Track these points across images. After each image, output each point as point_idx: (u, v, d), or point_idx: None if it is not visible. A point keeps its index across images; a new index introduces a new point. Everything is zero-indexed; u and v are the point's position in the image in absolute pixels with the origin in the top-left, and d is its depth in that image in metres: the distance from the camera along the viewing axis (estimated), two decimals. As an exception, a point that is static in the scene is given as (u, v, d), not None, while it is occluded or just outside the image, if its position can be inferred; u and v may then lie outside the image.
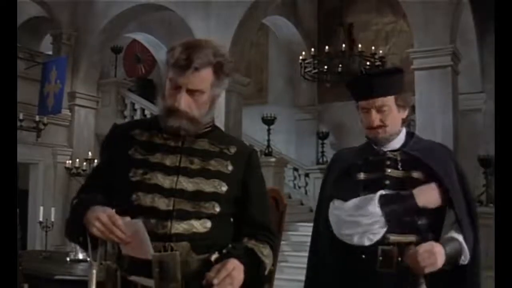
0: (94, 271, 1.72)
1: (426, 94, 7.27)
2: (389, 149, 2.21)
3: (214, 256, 1.77)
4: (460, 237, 2.05)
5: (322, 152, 11.49)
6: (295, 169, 11.23)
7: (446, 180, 2.10)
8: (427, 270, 1.93)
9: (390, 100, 2.15)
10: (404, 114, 2.22)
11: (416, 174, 2.14)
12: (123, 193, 1.80)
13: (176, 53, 1.76)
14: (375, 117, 2.16)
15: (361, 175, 2.19)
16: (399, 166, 2.16)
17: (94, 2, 10.29)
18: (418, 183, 2.12)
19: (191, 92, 1.78)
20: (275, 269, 3.17)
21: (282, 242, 3.02)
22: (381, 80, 2.18)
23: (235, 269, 1.69)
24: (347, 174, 2.23)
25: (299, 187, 11.17)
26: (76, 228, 1.77)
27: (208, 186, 1.83)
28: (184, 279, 1.74)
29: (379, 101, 2.14)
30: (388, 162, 2.18)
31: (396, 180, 2.14)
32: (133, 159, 1.83)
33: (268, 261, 1.88)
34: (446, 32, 7.31)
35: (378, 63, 9.70)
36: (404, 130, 2.26)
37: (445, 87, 7.22)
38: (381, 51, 9.96)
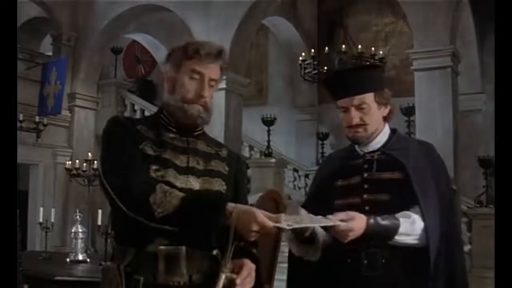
0: (223, 276, 1.73)
1: (426, 95, 7.28)
2: (370, 149, 2.19)
3: (215, 251, 1.82)
4: (411, 216, 2.01)
5: (322, 153, 11.47)
6: (295, 170, 11.22)
7: (414, 178, 2.06)
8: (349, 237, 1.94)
9: (368, 97, 2.12)
10: (385, 111, 2.18)
11: (389, 175, 2.11)
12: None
13: (206, 46, 1.90)
14: (355, 115, 2.12)
15: (339, 182, 2.19)
16: (373, 169, 2.14)
17: (94, 3, 10.30)
18: (396, 183, 2.08)
19: (210, 81, 1.92)
20: (275, 269, 3.17)
21: (282, 243, 3.02)
22: (357, 76, 2.15)
23: (252, 268, 1.79)
24: (324, 185, 2.23)
25: (299, 188, 11.15)
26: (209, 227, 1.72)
27: (213, 185, 1.90)
28: (188, 273, 1.78)
29: (357, 99, 2.11)
30: (366, 166, 2.16)
31: (373, 183, 2.12)
32: (145, 154, 1.84)
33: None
34: (446, 33, 7.31)
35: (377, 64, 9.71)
36: (387, 128, 2.23)
37: (445, 88, 7.23)
38: (381, 52, 9.96)
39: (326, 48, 9.93)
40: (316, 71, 9.97)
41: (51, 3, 10.16)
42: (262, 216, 1.65)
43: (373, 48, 9.84)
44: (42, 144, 9.53)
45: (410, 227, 2.01)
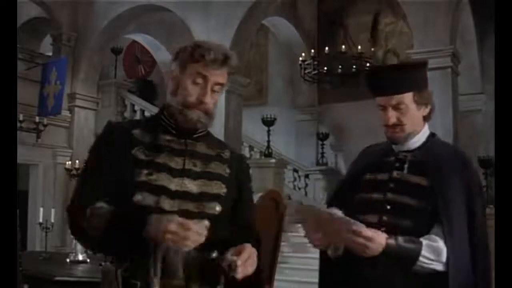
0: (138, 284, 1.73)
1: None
2: (405, 149, 2.13)
3: (214, 255, 1.81)
4: (437, 242, 1.94)
5: (322, 153, 11.47)
6: (295, 170, 11.22)
7: (441, 191, 2.00)
8: (362, 253, 1.90)
9: (407, 97, 2.05)
10: (426, 111, 2.11)
11: (418, 179, 2.05)
12: (125, 193, 1.80)
13: (213, 51, 1.84)
14: (392, 115, 2.06)
15: (367, 176, 2.15)
16: (405, 169, 2.09)
17: (94, 3, 10.30)
18: (423, 191, 2.02)
19: (214, 86, 1.87)
20: (275, 269, 3.17)
21: (282, 243, 3.02)
22: (396, 75, 2.08)
23: (253, 252, 1.78)
24: (352, 178, 2.21)
25: (299, 188, 11.16)
26: (129, 245, 1.73)
27: (211, 187, 1.88)
28: (185, 276, 1.78)
29: (395, 98, 2.04)
30: (397, 164, 2.11)
31: (401, 184, 2.07)
32: (136, 159, 1.85)
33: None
34: (446, 33, 7.31)
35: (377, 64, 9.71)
36: (426, 129, 2.16)
37: (445, 88, 7.22)
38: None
39: (326, 48, 9.93)
40: (316, 71, 9.98)
41: (51, 3, 10.16)
42: (194, 226, 1.65)
43: (373, 49, 9.84)
44: (42, 144, 9.53)
45: (435, 251, 1.92)
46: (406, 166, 2.10)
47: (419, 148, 2.13)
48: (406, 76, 2.08)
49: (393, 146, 2.17)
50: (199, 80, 1.85)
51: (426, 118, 2.15)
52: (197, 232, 1.65)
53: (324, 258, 2.17)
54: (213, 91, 1.87)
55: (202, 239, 1.65)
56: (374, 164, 2.17)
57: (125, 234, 1.70)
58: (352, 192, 2.16)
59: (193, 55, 1.85)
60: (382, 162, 2.16)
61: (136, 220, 1.69)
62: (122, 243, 1.72)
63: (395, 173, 2.10)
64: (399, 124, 2.08)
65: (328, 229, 1.96)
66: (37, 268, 4.76)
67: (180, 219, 1.66)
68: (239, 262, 1.70)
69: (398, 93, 2.05)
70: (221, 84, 1.89)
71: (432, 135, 2.19)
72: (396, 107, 2.06)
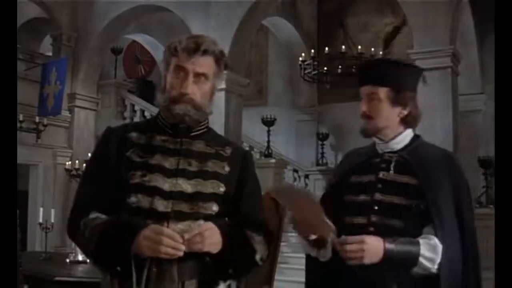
0: None
1: (426, 95, 7.25)
2: (389, 149, 2.15)
3: (208, 258, 1.79)
4: (433, 239, 1.94)
5: (322, 153, 11.47)
6: (295, 171, 11.22)
7: (429, 194, 2.00)
8: (358, 262, 1.90)
9: (380, 90, 2.10)
10: (402, 113, 2.14)
11: (407, 179, 2.06)
12: (120, 195, 1.81)
13: (183, 40, 1.87)
14: (364, 104, 2.13)
15: (352, 178, 2.16)
16: (391, 170, 2.10)
17: (94, 3, 10.30)
18: (412, 190, 2.03)
19: (197, 77, 1.86)
20: (275, 270, 3.17)
21: (282, 243, 3.02)
22: (372, 68, 2.18)
23: (209, 230, 1.74)
24: (340, 180, 2.22)
25: (299, 188, 11.15)
26: (117, 256, 1.73)
27: (206, 187, 1.86)
28: (180, 279, 1.77)
29: (367, 88, 2.12)
30: (383, 165, 2.13)
31: (388, 184, 2.08)
32: (131, 161, 1.85)
33: (258, 247, 1.89)
34: (446, 33, 7.31)
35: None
36: (408, 132, 2.19)
37: (445, 88, 7.21)
38: (380, 52, 9.96)
39: (326, 48, 9.93)
40: (316, 72, 9.97)
41: (51, 3, 10.15)
42: (167, 229, 1.69)
43: (372, 49, 9.83)
44: (42, 144, 9.52)
45: (433, 249, 1.93)
46: (392, 166, 2.11)
47: (403, 149, 2.15)
48: (384, 71, 2.14)
49: (377, 147, 2.19)
50: (180, 73, 1.86)
51: (406, 123, 2.17)
52: (170, 236, 1.66)
53: (311, 258, 2.17)
54: (196, 82, 1.86)
55: (177, 245, 1.67)
56: (359, 166, 2.19)
57: (115, 252, 1.73)
58: (340, 195, 2.17)
59: (170, 50, 1.88)
60: (367, 164, 2.17)
61: (127, 235, 1.71)
62: (112, 259, 1.74)
63: (381, 174, 2.11)
64: (368, 116, 2.12)
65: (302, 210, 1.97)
66: (37, 268, 4.77)
67: (154, 226, 1.69)
68: (186, 236, 1.70)
69: (370, 85, 2.12)
70: (204, 75, 1.87)
71: (416, 137, 2.21)
72: (370, 97, 2.12)
